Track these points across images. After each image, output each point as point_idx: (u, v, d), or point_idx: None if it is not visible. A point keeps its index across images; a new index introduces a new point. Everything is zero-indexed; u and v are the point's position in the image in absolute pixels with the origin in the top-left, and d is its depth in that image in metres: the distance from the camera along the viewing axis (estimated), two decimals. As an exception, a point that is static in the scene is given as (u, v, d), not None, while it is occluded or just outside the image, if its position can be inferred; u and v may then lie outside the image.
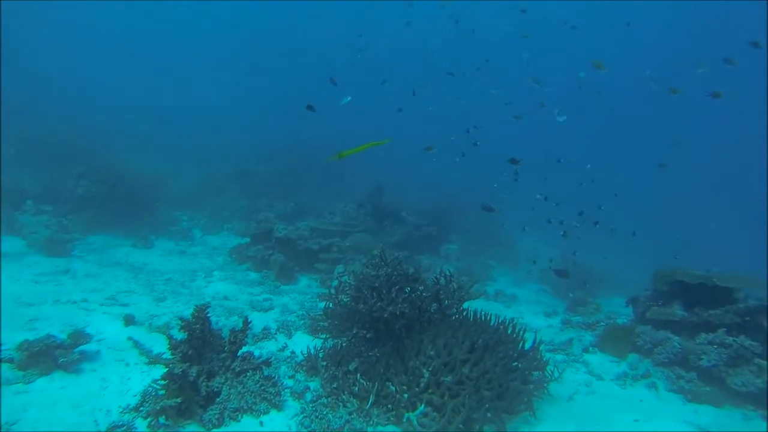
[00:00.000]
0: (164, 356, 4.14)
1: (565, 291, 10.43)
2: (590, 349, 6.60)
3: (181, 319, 4.21)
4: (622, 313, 8.73)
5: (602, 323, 7.64)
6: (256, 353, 6.14)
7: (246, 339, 4.81)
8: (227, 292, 8.43)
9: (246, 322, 4.85)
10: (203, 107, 30.92)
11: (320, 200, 15.01)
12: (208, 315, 4.51)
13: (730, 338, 5.75)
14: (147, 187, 12.85)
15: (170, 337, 4.09)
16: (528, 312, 9.00)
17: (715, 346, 5.70)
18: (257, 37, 42.45)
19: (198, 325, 4.35)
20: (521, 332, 5.29)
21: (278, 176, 16.35)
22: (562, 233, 6.78)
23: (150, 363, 4.08)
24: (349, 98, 8.30)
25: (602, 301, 10.81)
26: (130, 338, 4.75)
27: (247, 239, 10.83)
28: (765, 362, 5.43)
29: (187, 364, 4.12)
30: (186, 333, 4.22)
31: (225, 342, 4.70)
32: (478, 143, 6.84)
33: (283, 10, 39.16)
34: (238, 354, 4.76)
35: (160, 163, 19.24)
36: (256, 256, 10.02)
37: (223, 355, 4.63)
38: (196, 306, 4.37)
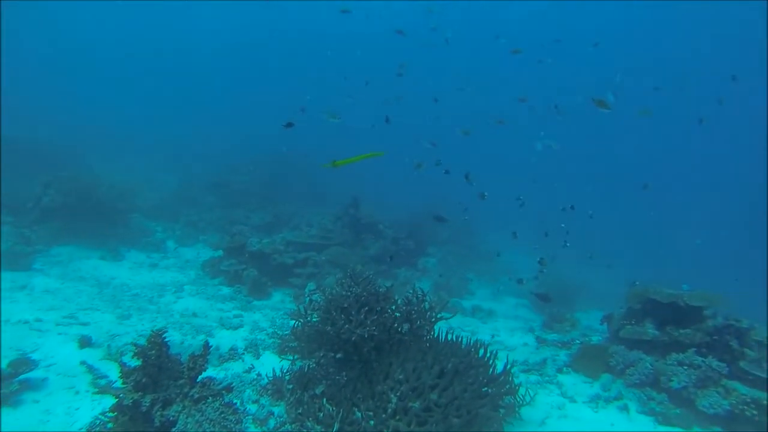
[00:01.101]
0: (115, 385, 3.90)
1: (543, 305, 10.43)
2: (564, 369, 6.56)
3: (135, 345, 3.99)
4: (598, 329, 8.75)
5: (577, 341, 7.63)
6: (221, 375, 5.95)
7: (206, 364, 4.59)
8: (197, 308, 8.16)
9: (207, 347, 4.63)
10: (183, 116, 30.49)
11: (298, 211, 14.81)
12: (166, 339, 4.30)
13: (699, 359, 5.77)
14: (120, 197, 12.47)
15: (122, 365, 3.86)
16: (504, 328, 8.94)
17: (685, 367, 5.70)
18: (240, 46, 42.18)
19: (154, 351, 4.13)
20: (493, 355, 5.19)
21: (256, 187, 16.09)
22: (538, 260, 6.79)
23: (99, 393, 3.83)
24: (339, 119, 8.26)
25: (580, 314, 10.84)
26: (83, 362, 4.46)
27: (221, 252, 10.56)
28: (731, 383, 5.45)
29: (140, 393, 3.89)
30: (140, 360, 3.99)
31: (184, 367, 4.48)
32: (440, 162, 6.80)
33: (263, 22, 39.01)
34: (198, 379, 4.54)
35: (136, 171, 18.82)
36: (229, 271, 9.76)
37: (182, 381, 4.39)
38: (152, 331, 4.16)
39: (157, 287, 8.99)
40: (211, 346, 4.80)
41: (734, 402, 5.15)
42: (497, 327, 8.95)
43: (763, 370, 5.67)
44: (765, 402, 5.01)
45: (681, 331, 6.43)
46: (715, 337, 6.23)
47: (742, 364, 5.82)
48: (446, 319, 5.54)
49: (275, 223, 13.69)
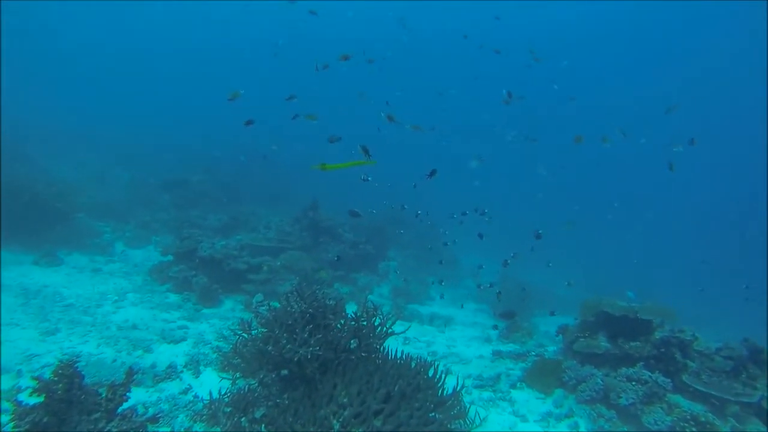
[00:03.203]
0: (6, 428, 3.44)
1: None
2: (518, 384, 6.46)
3: (36, 378, 3.53)
4: (555, 337, 8.75)
5: (533, 353, 7.59)
6: (154, 398, 5.49)
7: (128, 393, 4.17)
8: (138, 319, 7.60)
9: (131, 373, 4.21)
10: (143, 114, 29.10)
11: (257, 212, 14.29)
12: (79, 370, 3.86)
13: (647, 373, 5.80)
14: (60, 195, 11.56)
15: (16, 404, 3.39)
16: (462, 338, 8.82)
17: (634, 383, 5.72)
18: (202, 42, 40.68)
19: (61, 385, 3.68)
20: (444, 373, 5.01)
21: (215, 187, 15.42)
22: (492, 288, 6.74)
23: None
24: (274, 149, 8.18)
25: (538, 319, 10.91)
26: (-21, 396, 3.91)
27: (170, 257, 9.96)
28: (675, 398, 5.50)
29: (39, 436, 3.43)
30: (42, 396, 3.54)
31: (102, 398, 4.05)
32: (368, 178, 6.61)
33: (224, 23, 37.69)
34: (118, 411, 4.11)
35: (89, 168, 17.69)
36: (178, 277, 9.21)
37: (97, 415, 3.96)
38: (60, 361, 3.71)
39: (96, 296, 8.34)
40: (137, 371, 4.39)
41: (675, 419, 5.19)
42: (454, 337, 8.82)
43: (702, 383, 5.77)
44: (702, 418, 5.06)
45: (631, 343, 6.48)
46: (662, 350, 6.31)
47: (684, 377, 5.91)
48: (398, 334, 5.32)
49: (233, 225, 13.13)
